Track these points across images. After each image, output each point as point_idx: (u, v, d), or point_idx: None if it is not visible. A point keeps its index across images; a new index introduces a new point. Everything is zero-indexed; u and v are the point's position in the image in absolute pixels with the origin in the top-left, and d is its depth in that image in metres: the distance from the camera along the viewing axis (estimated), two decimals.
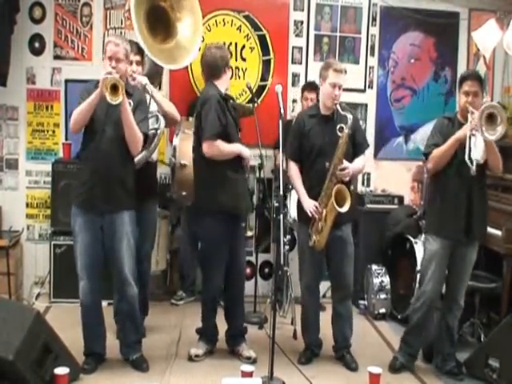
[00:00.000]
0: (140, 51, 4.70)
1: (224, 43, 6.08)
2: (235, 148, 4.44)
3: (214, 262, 4.56)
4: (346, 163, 4.37)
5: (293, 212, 5.13)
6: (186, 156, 5.04)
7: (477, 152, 4.16)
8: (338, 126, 4.45)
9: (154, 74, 5.10)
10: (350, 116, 4.38)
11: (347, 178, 4.42)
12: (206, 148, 4.35)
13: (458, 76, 4.65)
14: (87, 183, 4.17)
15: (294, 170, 4.63)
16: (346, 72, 4.58)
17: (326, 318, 4.81)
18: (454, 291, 4.54)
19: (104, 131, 4.13)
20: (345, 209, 4.35)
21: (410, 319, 4.69)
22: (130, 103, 4.15)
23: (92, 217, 4.20)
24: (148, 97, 4.60)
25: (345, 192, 4.38)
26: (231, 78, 6.02)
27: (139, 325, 4.52)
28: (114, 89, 3.93)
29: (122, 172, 4.20)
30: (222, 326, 4.75)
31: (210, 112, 4.35)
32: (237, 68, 6.23)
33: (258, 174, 5.66)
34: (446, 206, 4.41)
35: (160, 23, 4.99)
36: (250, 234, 4.47)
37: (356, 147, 4.59)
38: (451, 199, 4.38)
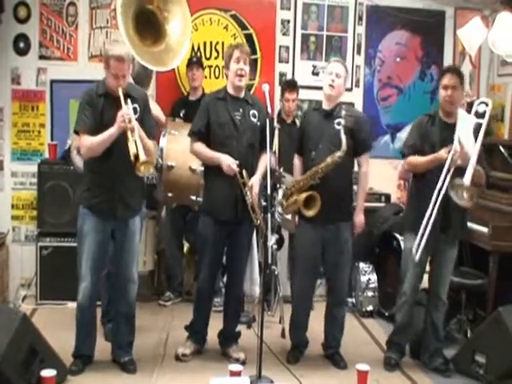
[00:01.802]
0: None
1: (211, 42, 6.13)
2: (214, 157, 4.39)
3: (201, 258, 4.62)
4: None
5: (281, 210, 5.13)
6: (173, 157, 5.04)
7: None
8: (336, 121, 4.48)
9: (143, 77, 5.09)
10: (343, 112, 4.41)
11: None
12: (189, 146, 4.46)
13: None
14: (101, 187, 4.16)
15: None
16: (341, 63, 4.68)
17: (314, 317, 4.81)
18: (437, 288, 4.57)
19: (117, 138, 4.08)
20: (310, 213, 4.43)
21: (395, 318, 4.74)
22: (135, 108, 4.13)
23: (104, 219, 4.20)
24: None
25: (317, 200, 4.43)
26: (217, 78, 6.09)
27: (134, 326, 4.50)
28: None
29: (132, 178, 4.15)
30: (215, 327, 4.74)
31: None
32: (224, 67, 6.22)
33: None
34: (423, 204, 4.40)
35: (149, 26, 4.99)
36: None
37: (358, 147, 4.56)
38: (428, 197, 4.38)
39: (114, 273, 4.42)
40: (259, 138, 4.47)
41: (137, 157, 3.92)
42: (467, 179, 4.07)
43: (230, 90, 4.49)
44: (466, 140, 4.22)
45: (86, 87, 4.30)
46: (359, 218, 4.60)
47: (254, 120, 4.47)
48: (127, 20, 4.77)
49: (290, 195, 4.60)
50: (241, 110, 4.45)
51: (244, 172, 4.34)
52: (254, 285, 5.15)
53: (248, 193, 4.34)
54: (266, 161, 4.46)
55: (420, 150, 4.49)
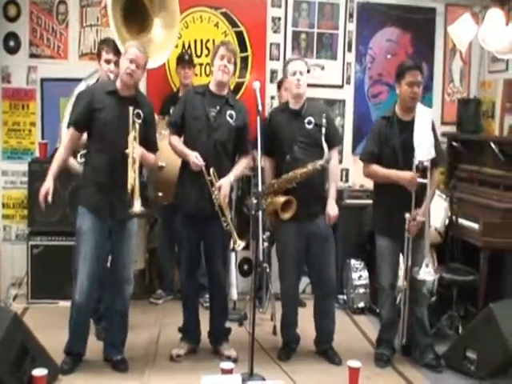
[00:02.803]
0: (118, 53, 4.66)
1: (201, 40, 6.12)
2: (183, 151, 4.42)
3: (180, 254, 4.71)
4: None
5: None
6: (164, 158, 5.03)
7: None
8: (306, 120, 4.52)
9: None
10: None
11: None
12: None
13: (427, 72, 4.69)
14: (100, 188, 4.16)
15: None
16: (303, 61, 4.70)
17: (305, 314, 4.83)
18: (413, 281, 4.54)
19: (115, 140, 4.10)
20: (286, 216, 4.48)
21: (380, 315, 4.79)
22: (139, 114, 4.14)
23: (102, 219, 4.20)
24: None
25: (293, 204, 4.47)
26: (208, 75, 6.08)
27: (127, 325, 4.50)
28: None
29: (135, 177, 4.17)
30: (207, 325, 4.74)
31: None
32: None
33: None
34: (389, 204, 4.51)
35: (136, 15, 4.97)
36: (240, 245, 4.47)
37: (328, 141, 4.53)
38: (393, 197, 4.46)
39: (110, 272, 4.41)
40: (234, 140, 4.49)
41: (133, 191, 3.98)
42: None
43: (212, 87, 4.49)
44: (424, 135, 4.35)
45: (77, 85, 4.30)
46: (332, 208, 4.58)
47: (230, 120, 4.45)
48: (116, 12, 4.75)
49: (263, 196, 4.56)
50: (218, 107, 4.43)
51: (212, 170, 4.34)
52: (231, 287, 5.14)
53: (216, 192, 4.34)
54: (244, 165, 4.56)
55: (379, 156, 4.56)
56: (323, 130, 4.43)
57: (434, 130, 4.48)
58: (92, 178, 4.21)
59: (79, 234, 4.24)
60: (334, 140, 4.66)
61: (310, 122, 4.49)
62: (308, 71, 4.66)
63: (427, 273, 4.34)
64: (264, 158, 4.57)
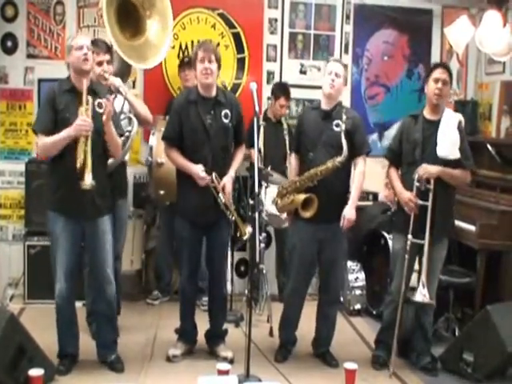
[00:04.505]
0: (109, 50, 4.64)
1: (198, 41, 6.11)
2: (186, 166, 4.40)
3: (180, 257, 4.67)
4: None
5: (270, 208, 5.12)
6: (163, 155, 5.05)
7: None
8: (335, 122, 4.49)
9: (125, 72, 5.06)
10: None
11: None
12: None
13: None
14: (66, 189, 4.09)
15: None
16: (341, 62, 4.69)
17: (303, 315, 4.82)
18: None
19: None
20: (307, 214, 4.43)
21: (382, 316, 4.77)
22: (100, 104, 4.09)
23: (73, 221, 4.16)
24: (122, 98, 4.58)
25: (314, 202, 4.43)
26: None
27: (116, 324, 4.50)
28: None
29: (100, 177, 4.13)
30: (204, 326, 4.74)
31: None
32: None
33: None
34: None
35: (130, 19, 4.96)
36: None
37: (355, 149, 4.51)
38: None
39: (89, 274, 4.44)
40: (233, 138, 4.50)
41: (83, 167, 3.92)
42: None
43: (201, 90, 4.44)
44: (448, 133, 4.36)
45: None
46: (350, 213, 4.48)
47: (226, 121, 4.43)
48: (110, 15, 4.74)
49: (284, 194, 4.58)
50: (212, 112, 4.41)
51: (214, 176, 4.33)
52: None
53: (220, 194, 4.35)
54: (241, 157, 4.56)
55: (399, 154, 4.61)
56: (342, 132, 4.38)
57: (461, 131, 4.44)
58: (58, 180, 4.14)
59: (52, 238, 4.22)
60: (361, 148, 4.58)
61: (337, 125, 4.45)
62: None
63: (422, 295, 4.34)
64: (292, 156, 4.67)
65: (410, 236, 4.38)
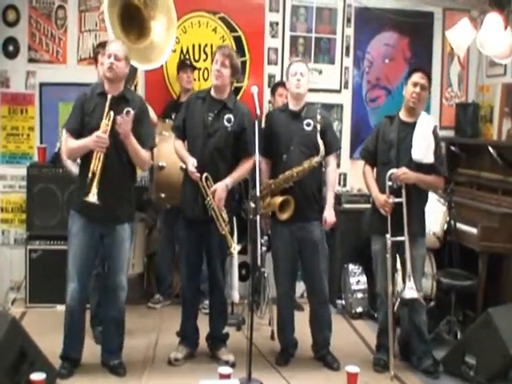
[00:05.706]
0: None
1: (199, 45, 6.14)
2: (183, 157, 4.48)
3: (181, 261, 4.73)
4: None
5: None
6: (165, 158, 5.05)
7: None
8: (305, 122, 4.55)
9: (129, 75, 5.06)
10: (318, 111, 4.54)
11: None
12: None
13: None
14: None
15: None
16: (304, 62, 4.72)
17: (303, 318, 4.82)
18: None
19: (109, 144, 4.07)
20: (284, 216, 4.48)
21: (378, 320, 4.80)
22: (129, 111, 4.08)
23: (93, 223, 4.19)
24: None
25: (291, 204, 4.47)
26: (206, 80, 6.09)
27: (123, 330, 4.48)
28: None
29: (126, 185, 4.23)
30: (205, 330, 4.73)
31: None
32: None
33: None
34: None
35: (133, 22, 4.97)
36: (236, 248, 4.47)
37: (326, 147, 4.55)
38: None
39: (104, 278, 4.42)
40: (232, 144, 4.47)
41: (93, 178, 3.98)
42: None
43: (212, 91, 4.52)
44: (423, 136, 4.41)
45: (75, 90, 4.30)
46: (329, 214, 4.59)
47: (227, 124, 4.44)
48: (113, 18, 4.75)
49: (260, 198, 4.57)
50: (215, 111, 4.45)
51: (205, 176, 4.33)
52: (233, 290, 5.14)
53: (209, 198, 4.33)
54: (246, 168, 4.52)
55: (374, 153, 4.64)
56: (318, 132, 4.46)
57: (436, 136, 4.49)
58: (82, 182, 4.17)
59: (69, 237, 4.27)
60: (332, 145, 4.67)
61: (308, 125, 4.52)
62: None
63: (411, 289, 4.34)
64: (261, 159, 4.50)
65: (388, 235, 4.41)
